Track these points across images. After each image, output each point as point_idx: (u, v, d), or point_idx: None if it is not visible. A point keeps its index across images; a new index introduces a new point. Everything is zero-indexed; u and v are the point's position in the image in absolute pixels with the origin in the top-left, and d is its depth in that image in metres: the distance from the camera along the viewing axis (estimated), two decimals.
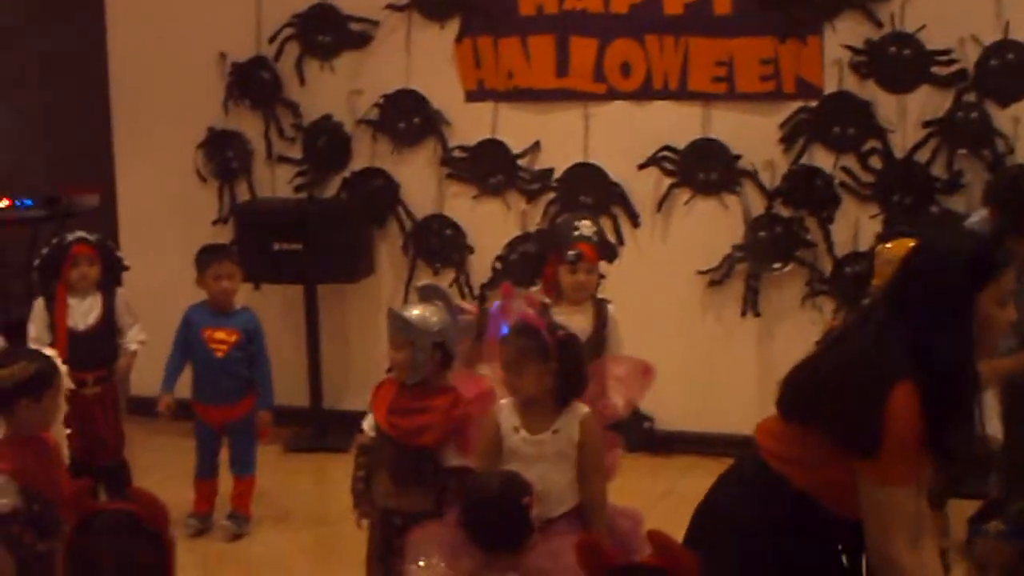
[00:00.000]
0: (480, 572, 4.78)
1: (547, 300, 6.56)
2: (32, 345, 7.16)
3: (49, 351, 6.00)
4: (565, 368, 5.44)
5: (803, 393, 4.20)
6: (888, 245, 6.56)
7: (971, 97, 8.20)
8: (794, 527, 4.03)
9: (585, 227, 6.83)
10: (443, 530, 5.03)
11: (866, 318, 4.28)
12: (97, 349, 7.54)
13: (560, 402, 5.47)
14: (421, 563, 5.10)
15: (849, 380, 4.04)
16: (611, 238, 8.39)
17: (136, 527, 3.42)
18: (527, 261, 8.80)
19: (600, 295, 6.83)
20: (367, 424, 5.98)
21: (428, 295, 5.92)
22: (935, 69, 8.25)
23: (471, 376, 6.01)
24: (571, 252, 6.69)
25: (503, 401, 5.59)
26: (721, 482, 4.46)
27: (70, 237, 7.64)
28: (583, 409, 5.46)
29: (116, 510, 3.48)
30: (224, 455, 7.84)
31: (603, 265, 6.93)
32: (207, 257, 7.75)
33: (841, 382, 4.06)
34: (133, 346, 7.62)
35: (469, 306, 6.39)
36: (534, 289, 7.93)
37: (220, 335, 7.69)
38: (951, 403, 4.01)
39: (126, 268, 7.87)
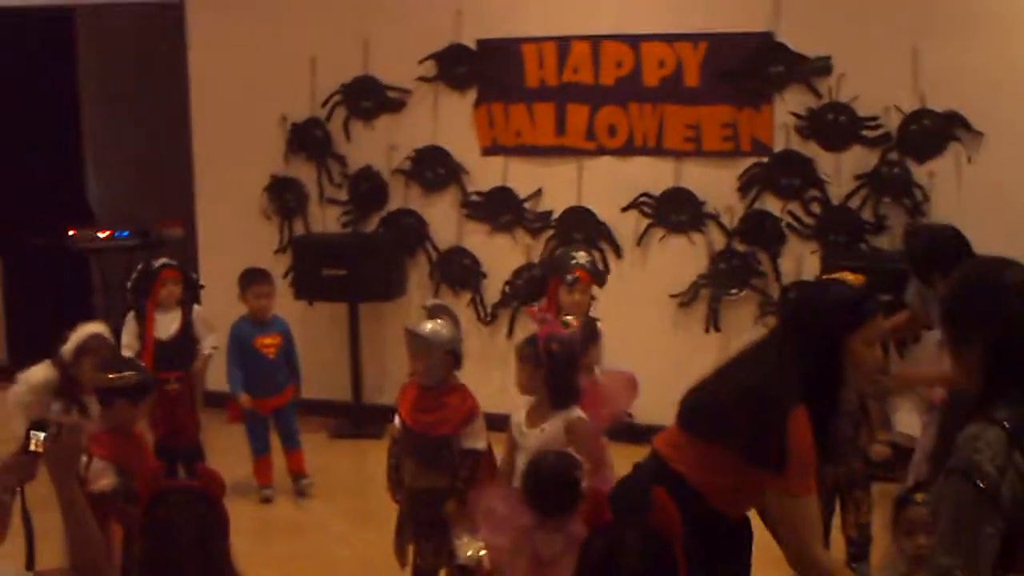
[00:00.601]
0: (535, 531, 4.72)
1: (548, 316, 6.58)
2: (123, 351, 7.17)
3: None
4: (552, 375, 5.46)
5: (707, 414, 4.06)
6: (849, 275, 6.48)
7: (894, 155, 8.16)
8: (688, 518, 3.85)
9: (581, 256, 6.94)
10: (504, 493, 4.98)
11: (758, 349, 4.18)
12: (177, 354, 7.50)
13: (555, 405, 5.46)
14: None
15: (753, 406, 3.91)
16: (600, 268, 8.39)
17: (199, 497, 3.35)
18: (531, 284, 8.79)
19: (592, 313, 6.84)
20: (397, 420, 5.95)
21: (436, 312, 5.92)
22: (865, 132, 8.20)
23: (613, 373, 6.20)
24: (570, 276, 6.78)
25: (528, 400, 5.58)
26: (624, 482, 4.33)
27: (158, 263, 7.68)
28: (573, 414, 5.44)
29: (183, 484, 3.40)
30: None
31: (595, 289, 6.94)
32: (248, 279, 7.89)
33: (746, 408, 3.93)
34: (207, 350, 7.64)
35: (573, 320, 6.32)
36: (536, 306, 7.96)
37: (267, 340, 7.81)
38: (824, 427, 3.95)
39: (202, 287, 7.94)
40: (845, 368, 4.01)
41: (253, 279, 7.86)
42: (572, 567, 3.11)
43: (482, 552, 5.24)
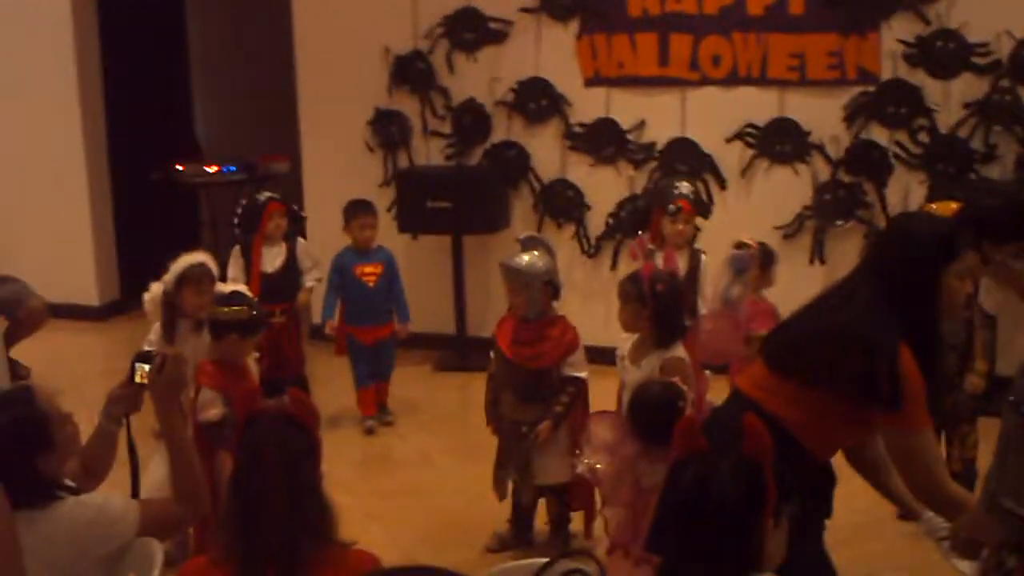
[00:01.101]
0: (638, 459, 4.72)
1: (651, 246, 6.59)
2: (230, 284, 7.24)
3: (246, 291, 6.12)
4: (657, 315, 5.43)
5: (807, 357, 3.97)
6: (933, 206, 6.41)
7: (1005, 83, 7.98)
8: (787, 462, 3.82)
9: (684, 187, 6.93)
10: (613, 421, 4.97)
11: (848, 287, 4.08)
12: (282, 287, 7.62)
13: (658, 343, 5.43)
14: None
15: (859, 345, 3.83)
16: (704, 199, 8.34)
17: (291, 422, 3.39)
18: (635, 216, 8.76)
19: (696, 246, 6.81)
20: (493, 354, 5.97)
21: (530, 244, 5.92)
22: (975, 59, 8.03)
23: (754, 300, 6.26)
24: (672, 206, 6.75)
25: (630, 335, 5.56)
26: (715, 413, 4.31)
27: (263, 196, 7.76)
28: (672, 352, 5.41)
29: (276, 409, 3.43)
30: None
31: (699, 221, 6.89)
32: (353, 210, 7.91)
33: (852, 348, 3.85)
34: (310, 283, 7.76)
35: (751, 241, 6.41)
36: (641, 235, 7.94)
37: (369, 269, 7.84)
38: (930, 361, 3.87)
39: (305, 218, 8.00)
40: (940, 302, 3.94)
41: (357, 210, 7.89)
42: None
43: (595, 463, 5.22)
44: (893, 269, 3.97)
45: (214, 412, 5.56)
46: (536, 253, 5.86)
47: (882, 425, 3.90)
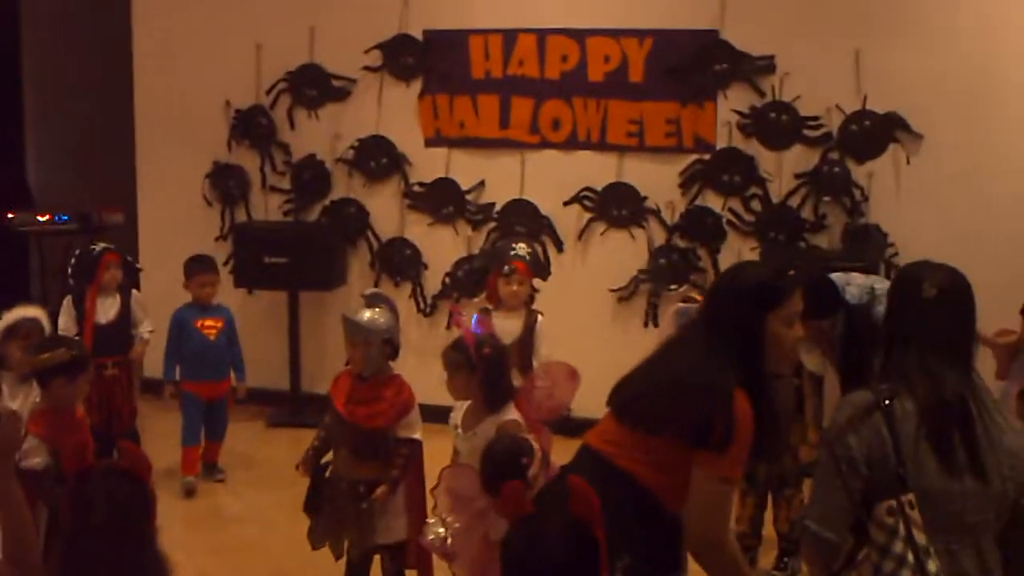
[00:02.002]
0: (488, 512, 4.60)
1: (488, 307, 6.63)
2: (61, 333, 7.12)
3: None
4: (488, 380, 5.41)
5: (651, 407, 3.98)
6: None
7: (835, 155, 8.19)
8: (638, 517, 3.84)
9: (521, 248, 6.92)
10: (469, 474, 4.90)
11: (686, 338, 4.17)
12: (116, 339, 7.50)
13: (489, 407, 5.40)
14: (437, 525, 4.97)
15: (698, 390, 3.87)
16: (541, 261, 8.38)
17: (123, 476, 3.28)
18: (472, 276, 8.83)
19: (535, 307, 6.82)
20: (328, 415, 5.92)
21: (374, 301, 5.89)
22: (806, 131, 8.24)
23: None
24: (507, 267, 6.74)
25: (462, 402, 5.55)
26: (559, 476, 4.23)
27: (99, 246, 7.63)
28: (504, 416, 5.37)
29: (108, 464, 3.33)
30: None
31: (537, 282, 6.91)
32: (194, 267, 7.87)
33: (690, 393, 3.88)
34: (145, 335, 7.59)
35: (697, 295, 6.45)
36: (476, 300, 8.05)
37: (210, 322, 7.79)
38: (760, 407, 3.89)
39: (140, 270, 7.88)
40: (768, 348, 3.98)
41: (198, 267, 7.84)
42: None
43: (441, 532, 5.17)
44: (722, 317, 4.01)
45: (36, 460, 5.41)
46: (378, 310, 5.82)
47: (700, 465, 3.87)
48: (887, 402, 3.49)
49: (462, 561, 4.77)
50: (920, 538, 3.36)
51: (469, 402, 5.54)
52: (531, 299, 7.03)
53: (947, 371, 3.54)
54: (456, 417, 5.58)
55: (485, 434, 5.32)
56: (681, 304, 6.86)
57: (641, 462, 3.92)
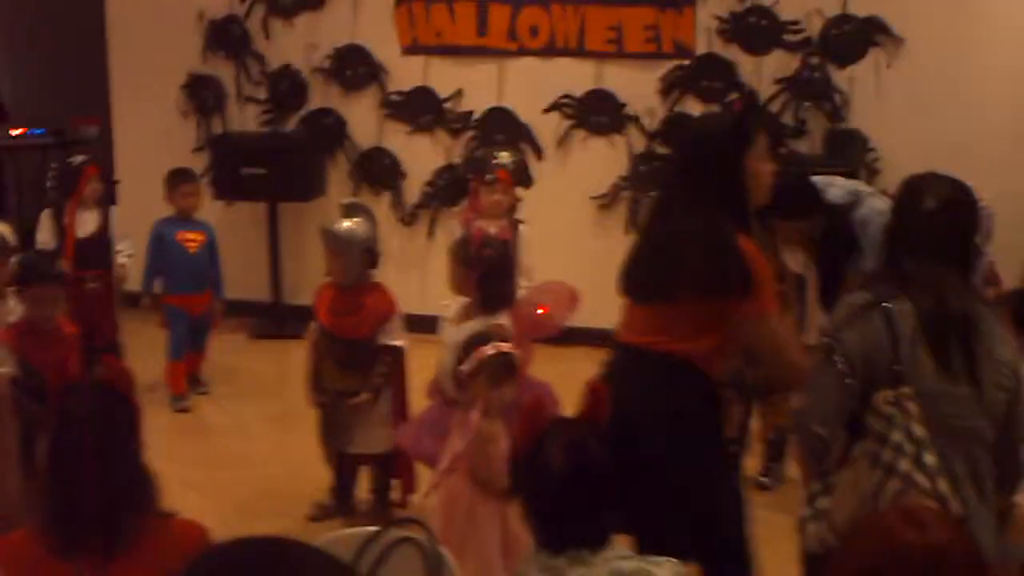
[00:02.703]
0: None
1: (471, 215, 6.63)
2: (39, 248, 7.10)
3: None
4: (484, 280, 5.39)
5: (658, 273, 4.02)
6: None
7: (815, 60, 8.14)
8: (690, 392, 3.97)
9: (503, 157, 6.90)
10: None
11: (665, 206, 4.16)
12: (96, 253, 7.42)
13: (483, 308, 5.38)
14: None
15: (703, 245, 3.90)
16: (524, 169, 8.37)
17: (107, 390, 3.25)
18: (452, 185, 8.79)
19: (518, 216, 6.79)
20: (313, 324, 5.88)
21: (352, 211, 5.85)
22: (786, 36, 8.19)
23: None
24: (489, 175, 6.69)
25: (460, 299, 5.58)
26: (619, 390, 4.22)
27: (79, 159, 7.56)
28: (493, 320, 5.35)
29: (91, 378, 3.29)
30: None
31: (520, 190, 6.88)
32: (176, 178, 7.81)
33: (697, 249, 3.90)
34: (123, 259, 7.48)
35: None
36: (457, 208, 8.03)
37: (191, 235, 7.72)
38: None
39: (117, 182, 7.81)
40: (750, 186, 4.02)
41: (180, 178, 7.79)
42: None
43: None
44: (701, 169, 4.03)
45: (3, 371, 5.36)
46: (357, 220, 5.78)
47: (739, 317, 3.92)
48: (886, 303, 3.52)
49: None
50: (918, 430, 3.40)
51: (465, 301, 5.53)
52: (514, 208, 7.00)
53: (948, 281, 3.57)
54: (451, 312, 5.57)
55: (471, 330, 5.33)
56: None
57: (673, 336, 3.95)
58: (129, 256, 7.57)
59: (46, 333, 5.58)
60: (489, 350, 4.71)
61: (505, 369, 4.70)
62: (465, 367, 4.73)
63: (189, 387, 7.73)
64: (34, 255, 5.75)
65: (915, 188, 3.73)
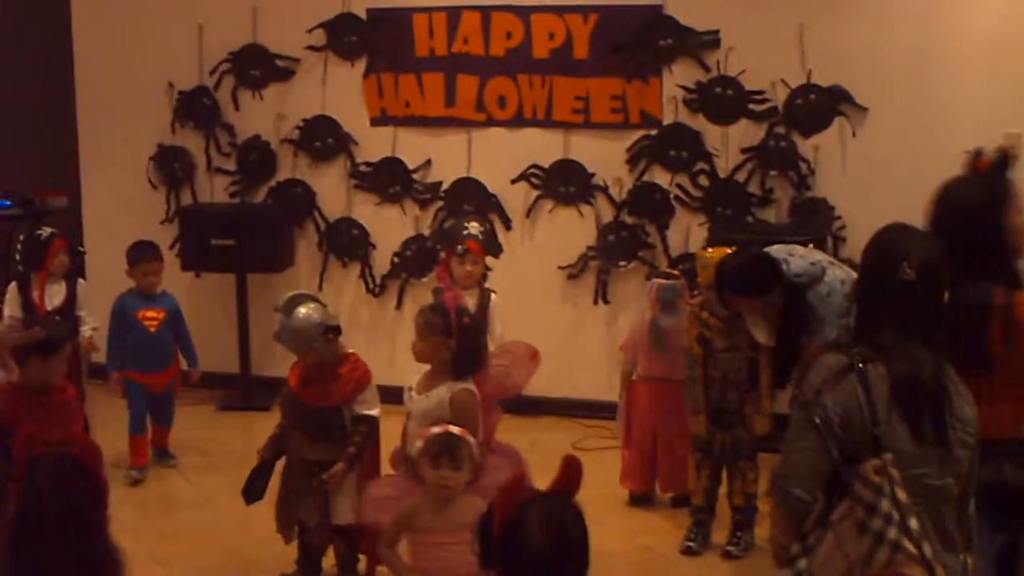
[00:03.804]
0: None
1: (440, 286, 6.65)
2: (6, 322, 7.09)
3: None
4: (462, 349, 5.39)
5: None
6: (708, 251, 6.57)
7: (780, 129, 8.21)
8: None
9: (473, 227, 6.91)
10: (393, 480, 4.96)
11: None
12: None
13: (454, 375, 5.40)
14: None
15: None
16: (494, 238, 8.40)
17: (74, 465, 3.26)
18: (420, 255, 8.83)
19: (488, 285, 6.81)
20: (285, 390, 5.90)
21: (290, 304, 5.75)
22: (752, 106, 8.25)
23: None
24: (460, 247, 6.72)
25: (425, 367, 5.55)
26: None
27: (46, 232, 7.59)
28: (460, 384, 5.37)
29: (58, 451, 3.30)
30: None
31: (490, 260, 6.91)
32: (136, 254, 7.74)
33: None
34: (88, 332, 7.47)
35: (674, 271, 6.82)
36: (426, 279, 8.06)
37: (151, 313, 7.66)
38: None
39: (83, 252, 7.85)
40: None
41: (141, 255, 7.73)
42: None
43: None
44: (966, 239, 4.26)
45: None
46: (301, 309, 5.73)
47: None
48: (861, 365, 3.56)
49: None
50: (901, 495, 3.42)
51: (427, 367, 5.53)
52: (484, 278, 7.02)
53: (922, 350, 3.61)
54: (412, 381, 5.56)
55: (438, 397, 5.35)
56: (660, 280, 6.91)
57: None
58: (94, 329, 7.54)
59: (44, 396, 5.64)
60: (436, 430, 4.77)
61: (446, 450, 4.74)
62: (414, 447, 4.80)
63: (158, 459, 7.71)
64: (41, 328, 5.80)
65: (888, 254, 3.73)
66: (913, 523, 3.41)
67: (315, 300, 5.83)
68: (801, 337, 5.93)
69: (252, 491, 5.91)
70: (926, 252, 3.70)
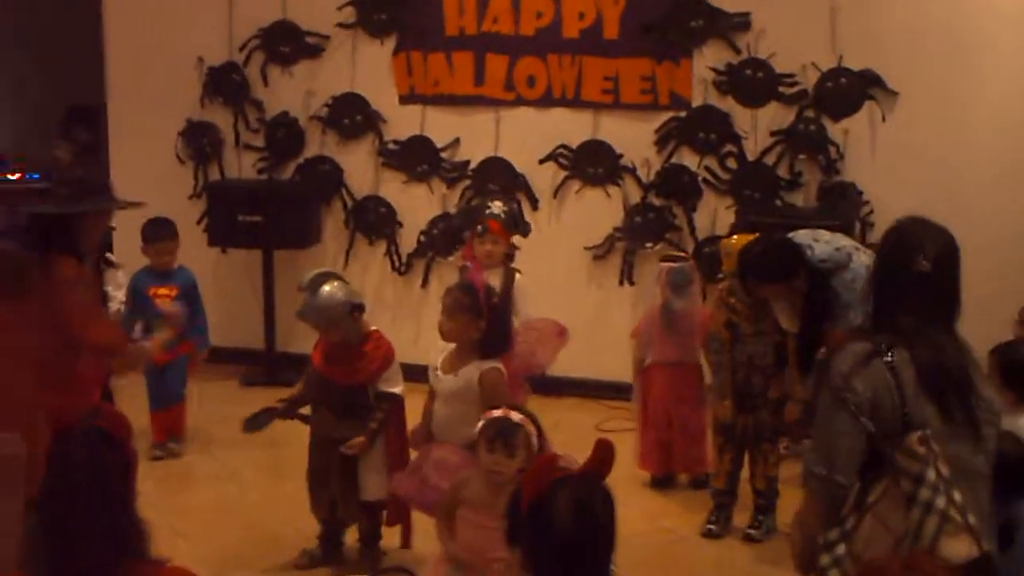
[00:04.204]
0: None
1: (467, 264, 6.65)
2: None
3: None
4: (490, 327, 5.39)
5: None
6: (733, 239, 6.58)
7: (810, 113, 8.20)
8: None
9: (496, 207, 6.87)
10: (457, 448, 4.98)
11: None
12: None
13: (483, 354, 5.39)
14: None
15: None
16: (519, 218, 8.41)
17: (103, 437, 3.29)
18: (446, 234, 8.84)
19: (514, 266, 6.79)
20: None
21: (315, 282, 5.79)
22: (782, 89, 8.24)
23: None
24: (480, 226, 6.71)
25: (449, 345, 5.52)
26: None
27: None
28: (488, 363, 5.37)
29: (87, 424, 3.33)
30: None
31: (517, 239, 6.90)
32: (151, 232, 7.69)
33: None
34: (115, 306, 7.42)
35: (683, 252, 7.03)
36: (452, 258, 8.08)
37: (163, 291, 7.57)
38: None
39: (113, 228, 7.76)
40: None
41: (154, 234, 7.67)
42: None
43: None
44: None
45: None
46: (325, 287, 5.77)
47: None
48: (887, 352, 3.65)
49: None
50: (944, 469, 3.52)
51: (452, 346, 5.53)
52: (510, 257, 6.97)
53: (943, 336, 3.72)
54: (437, 360, 5.58)
55: (467, 376, 5.35)
56: (669, 264, 6.94)
57: None
58: (122, 303, 7.49)
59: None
60: (497, 413, 4.69)
61: (500, 436, 4.60)
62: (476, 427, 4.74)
63: (168, 439, 7.67)
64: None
65: (904, 246, 3.80)
66: (956, 495, 3.50)
67: (339, 278, 5.86)
68: (825, 323, 5.94)
69: (254, 421, 5.98)
70: (941, 244, 3.78)
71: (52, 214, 5.15)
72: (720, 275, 6.76)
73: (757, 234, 6.46)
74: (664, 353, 6.97)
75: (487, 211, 6.85)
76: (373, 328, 5.92)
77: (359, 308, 5.81)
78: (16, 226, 5.52)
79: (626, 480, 6.80)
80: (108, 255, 7.67)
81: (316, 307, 5.73)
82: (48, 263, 4.94)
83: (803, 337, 6.08)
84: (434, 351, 5.63)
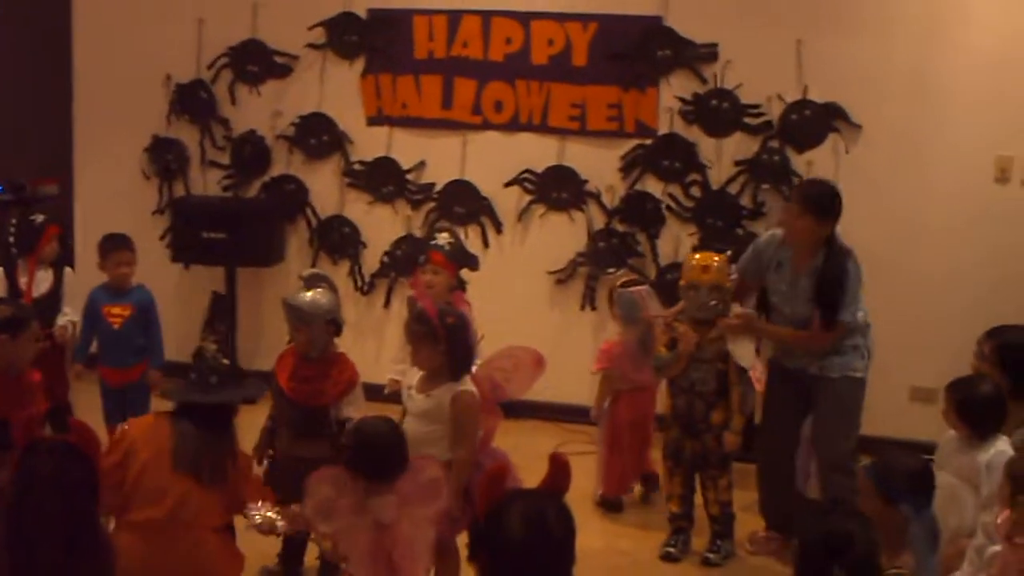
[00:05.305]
0: (366, 501, 4.70)
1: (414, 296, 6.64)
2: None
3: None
4: (451, 349, 5.42)
5: None
6: (697, 255, 6.62)
7: (775, 144, 8.30)
8: None
9: (441, 238, 6.82)
10: (330, 475, 4.95)
11: None
12: (46, 312, 7.31)
13: (453, 376, 5.42)
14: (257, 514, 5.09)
15: None
16: (478, 245, 8.49)
17: (70, 452, 3.33)
18: (410, 255, 8.80)
19: (466, 296, 6.75)
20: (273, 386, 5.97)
21: (313, 282, 5.89)
22: (747, 119, 8.35)
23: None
24: (422, 256, 6.74)
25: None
26: None
27: (40, 218, 7.55)
28: (462, 386, 5.41)
29: (56, 438, 3.38)
30: None
31: (466, 273, 6.90)
32: (109, 245, 7.50)
33: None
34: (63, 320, 7.41)
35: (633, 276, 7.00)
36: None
37: (116, 310, 7.41)
38: None
39: (72, 244, 7.80)
40: None
41: (112, 246, 7.49)
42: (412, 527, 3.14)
43: (270, 515, 5.25)
44: None
45: None
46: (320, 291, 5.86)
47: None
48: None
49: (356, 559, 4.82)
50: None
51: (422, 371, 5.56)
52: (455, 288, 6.90)
53: None
54: (411, 379, 5.60)
55: (439, 397, 5.39)
56: (625, 288, 7.00)
57: None
58: (72, 321, 7.44)
59: (11, 384, 5.61)
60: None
61: None
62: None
63: None
64: (6, 306, 5.78)
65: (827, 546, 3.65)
66: None
67: (333, 289, 5.93)
68: (837, 297, 6.18)
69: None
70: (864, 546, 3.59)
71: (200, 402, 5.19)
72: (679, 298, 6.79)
73: (721, 252, 6.56)
74: (638, 378, 7.06)
75: (433, 242, 6.84)
76: (340, 351, 5.96)
77: (335, 324, 5.86)
78: None
79: (581, 501, 6.86)
80: (67, 268, 7.68)
81: (299, 305, 5.79)
82: None
83: (820, 301, 6.32)
84: (411, 372, 5.65)
